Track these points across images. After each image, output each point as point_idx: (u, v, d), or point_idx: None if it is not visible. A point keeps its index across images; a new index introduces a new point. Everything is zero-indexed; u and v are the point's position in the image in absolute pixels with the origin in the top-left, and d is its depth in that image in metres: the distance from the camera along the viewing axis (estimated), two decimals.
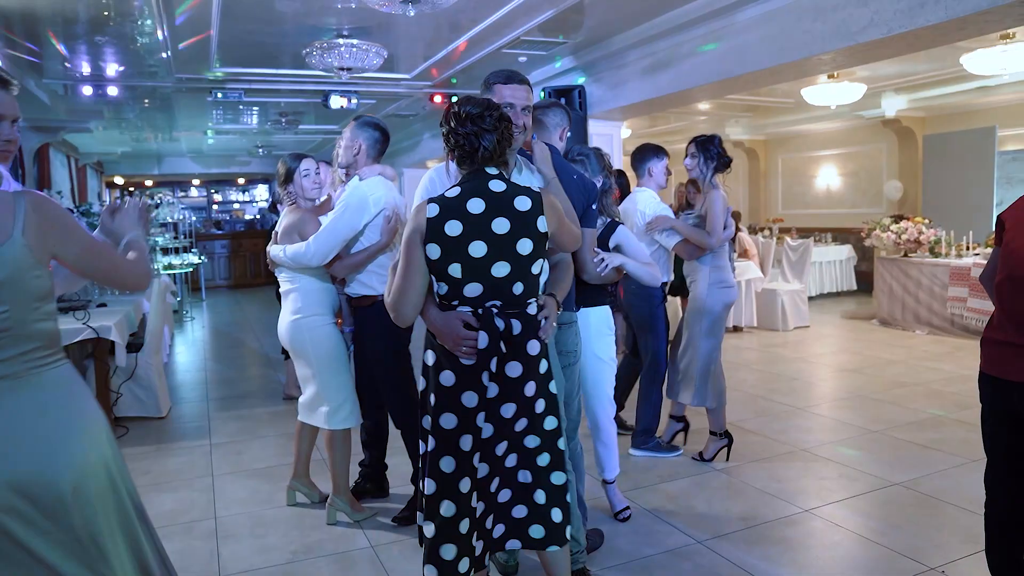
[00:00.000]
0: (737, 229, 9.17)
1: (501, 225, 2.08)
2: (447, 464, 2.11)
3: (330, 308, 3.38)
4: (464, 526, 2.13)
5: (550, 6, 5.74)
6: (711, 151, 4.05)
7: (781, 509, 3.50)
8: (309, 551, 3.18)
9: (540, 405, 2.19)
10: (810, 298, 9.60)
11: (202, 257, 12.22)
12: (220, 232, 16.30)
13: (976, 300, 7.34)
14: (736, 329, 8.34)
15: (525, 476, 2.20)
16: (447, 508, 2.12)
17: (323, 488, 3.68)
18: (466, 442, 2.11)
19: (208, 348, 8.56)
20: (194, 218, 14.34)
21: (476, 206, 2.08)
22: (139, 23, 5.58)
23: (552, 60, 7.53)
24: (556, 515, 2.21)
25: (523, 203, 2.12)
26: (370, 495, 3.74)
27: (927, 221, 8.51)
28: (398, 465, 4.12)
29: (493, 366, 2.09)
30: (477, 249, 2.06)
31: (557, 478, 2.22)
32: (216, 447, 4.69)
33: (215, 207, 18.42)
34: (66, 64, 6.83)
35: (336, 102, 8.26)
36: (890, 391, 5.59)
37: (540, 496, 2.19)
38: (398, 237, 3.37)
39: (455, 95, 8.81)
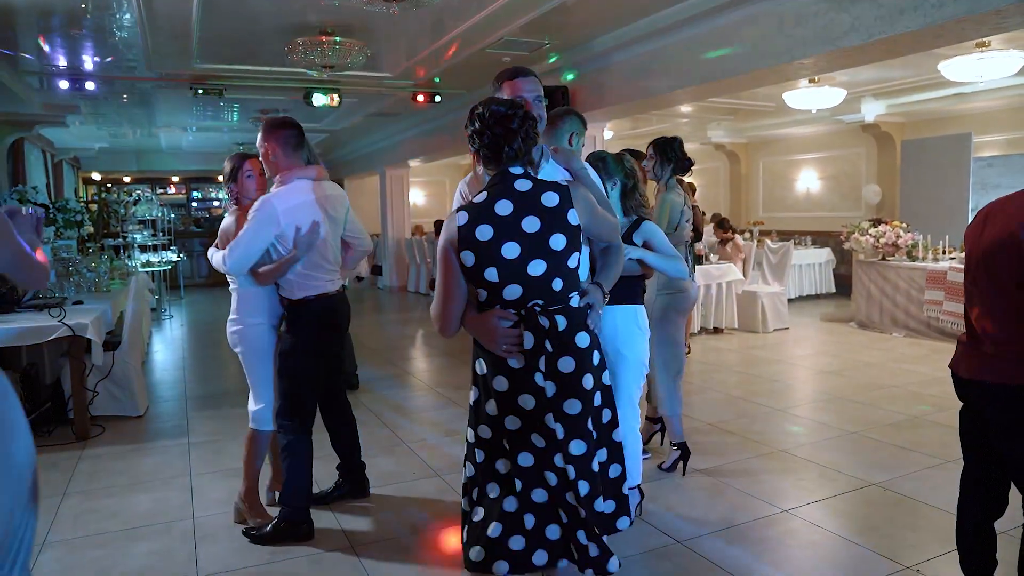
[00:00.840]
0: (733, 232, 9.29)
1: (531, 223, 2.07)
2: (525, 459, 2.12)
3: (265, 311, 3.28)
4: (529, 521, 2.15)
5: (534, 7, 5.76)
6: (668, 154, 4.07)
7: (760, 509, 3.52)
8: (288, 551, 3.15)
9: (598, 398, 2.18)
10: (789, 300, 9.69)
11: (181, 255, 12.10)
12: (199, 230, 16.13)
13: (952, 303, 7.45)
14: (716, 331, 8.40)
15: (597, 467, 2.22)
16: (509, 504, 2.14)
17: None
18: (540, 440, 2.11)
19: (187, 346, 8.48)
20: (173, 216, 14.18)
21: (504, 208, 2.08)
22: (117, 16, 5.52)
23: (536, 61, 7.54)
24: (608, 506, 2.25)
25: (551, 199, 2.10)
26: (349, 496, 3.70)
27: (905, 225, 8.62)
28: (377, 464, 4.12)
29: (543, 365, 2.06)
30: (510, 250, 2.05)
31: (614, 471, 2.27)
32: (194, 446, 4.64)
33: (194, 205, 18.24)
34: (42, 57, 6.73)
35: (318, 100, 8.22)
36: (868, 393, 5.65)
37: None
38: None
39: (438, 94, 8.79)
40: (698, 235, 7.22)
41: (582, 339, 2.12)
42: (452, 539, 3.28)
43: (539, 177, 2.32)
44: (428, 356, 7.89)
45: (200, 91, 7.82)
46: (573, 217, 2.11)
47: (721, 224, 9.61)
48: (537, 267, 2.07)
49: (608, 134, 10.42)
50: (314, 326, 3.22)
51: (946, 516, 3.37)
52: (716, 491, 3.78)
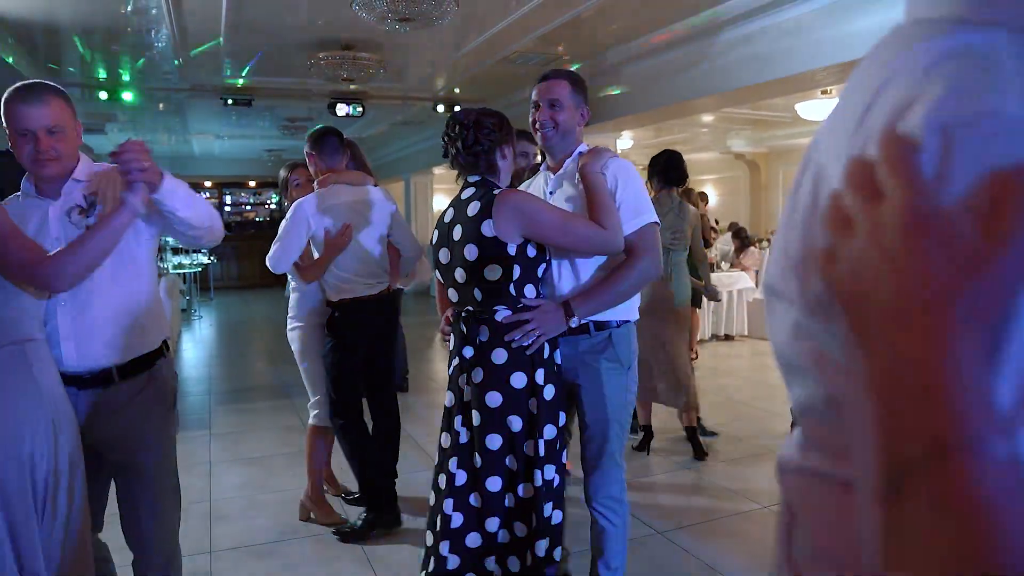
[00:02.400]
0: (748, 243, 9.44)
1: (457, 232, 2.14)
2: (437, 459, 2.26)
3: (316, 312, 3.46)
4: (436, 520, 2.18)
5: (549, 20, 5.98)
6: (653, 167, 4.27)
7: (742, 505, 3.70)
8: (296, 532, 3.41)
9: (516, 423, 2.07)
10: None
11: (212, 258, 12.52)
12: (231, 233, 16.59)
13: None
14: (728, 337, 8.53)
15: (510, 500, 2.12)
16: (432, 496, 2.26)
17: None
18: (445, 440, 2.20)
19: (215, 346, 8.84)
20: None
21: (448, 215, 2.22)
22: (154, 32, 5.88)
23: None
24: (540, 548, 2.09)
25: (473, 208, 2.10)
26: (379, 527, 3.40)
27: None
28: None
29: (461, 367, 2.15)
30: (443, 256, 2.20)
31: (546, 510, 2.10)
32: (215, 437, 4.94)
33: (227, 209, 18.75)
34: (84, 70, 7.14)
35: (342, 109, 8.54)
36: None
37: (520, 529, 2.14)
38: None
39: (458, 104, 9.07)
40: (705, 243, 7.40)
41: (497, 355, 2.09)
42: None
43: (549, 185, 2.36)
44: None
45: (230, 101, 8.18)
46: (487, 228, 2.05)
47: (737, 234, 9.74)
48: (459, 275, 2.14)
49: (628, 143, 10.64)
50: (348, 328, 3.30)
51: None
52: (700, 486, 3.96)
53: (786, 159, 13.63)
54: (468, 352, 2.13)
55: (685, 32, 6.06)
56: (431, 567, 2.15)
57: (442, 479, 2.18)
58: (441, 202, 17.16)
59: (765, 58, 5.45)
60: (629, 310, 2.33)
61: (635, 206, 2.19)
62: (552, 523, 2.13)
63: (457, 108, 9.53)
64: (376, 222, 3.35)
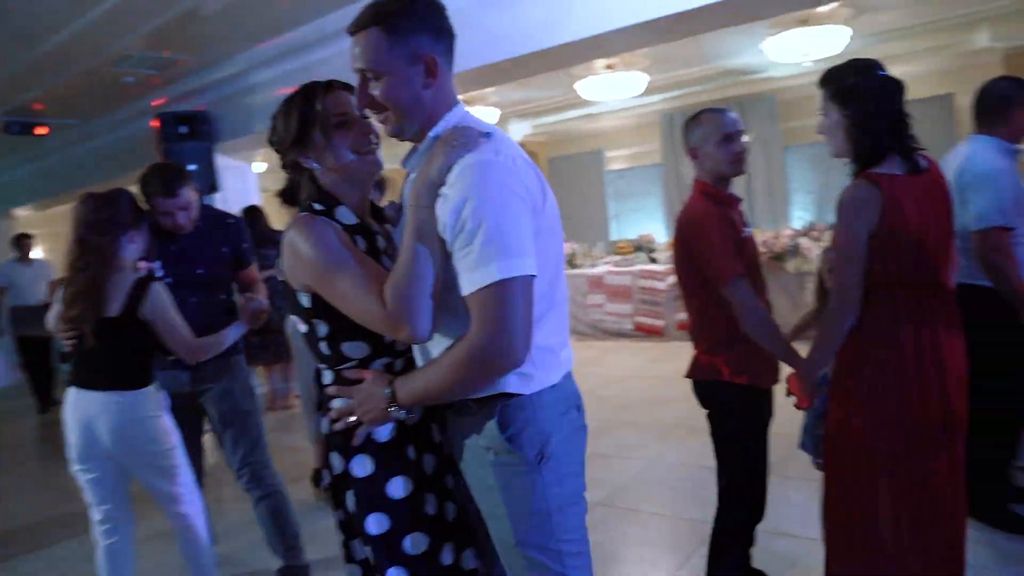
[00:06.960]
0: None
1: None
2: None
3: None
4: None
5: (155, 15, 4.88)
6: None
7: None
8: None
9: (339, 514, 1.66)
10: None
11: None
12: None
13: (613, 304, 8.11)
14: None
15: None
16: None
17: None
18: None
19: None
20: None
21: None
22: None
23: (172, 80, 6.52)
24: None
25: None
26: None
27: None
28: None
29: None
30: None
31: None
32: None
33: None
34: None
35: None
36: None
37: None
38: None
39: (41, 124, 7.26)
40: None
41: (323, 424, 1.62)
42: None
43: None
44: None
45: None
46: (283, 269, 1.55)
47: None
48: None
49: (261, 166, 9.32)
50: None
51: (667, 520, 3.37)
52: None
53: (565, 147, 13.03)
54: None
55: (324, 32, 5.40)
56: None
57: None
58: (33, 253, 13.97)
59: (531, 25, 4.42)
60: (546, 374, 1.56)
61: (481, 253, 1.32)
62: None
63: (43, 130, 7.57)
64: None
